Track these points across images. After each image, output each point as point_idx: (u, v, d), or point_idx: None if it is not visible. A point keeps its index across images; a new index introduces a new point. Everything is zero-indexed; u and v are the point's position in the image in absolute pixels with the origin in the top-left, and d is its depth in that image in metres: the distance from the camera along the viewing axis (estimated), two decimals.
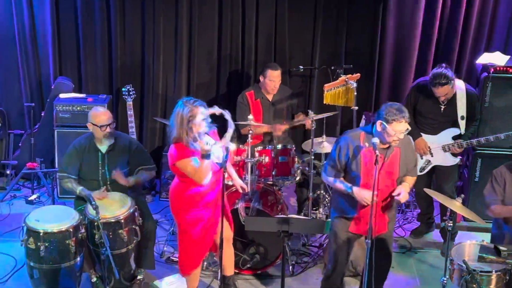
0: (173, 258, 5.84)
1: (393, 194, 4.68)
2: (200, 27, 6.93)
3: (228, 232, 5.09)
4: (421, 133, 5.89)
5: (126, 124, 6.79)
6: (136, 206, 5.23)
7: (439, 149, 5.87)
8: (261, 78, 6.41)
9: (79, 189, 5.34)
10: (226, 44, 7.01)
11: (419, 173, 5.99)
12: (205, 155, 4.61)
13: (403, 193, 4.66)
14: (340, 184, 4.71)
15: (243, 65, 7.10)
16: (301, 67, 6.96)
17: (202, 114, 4.66)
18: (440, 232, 6.16)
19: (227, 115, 4.65)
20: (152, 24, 6.89)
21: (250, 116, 5.84)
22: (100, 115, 5.36)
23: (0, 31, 6.97)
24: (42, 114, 7.05)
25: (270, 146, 5.95)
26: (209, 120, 4.71)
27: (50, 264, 4.94)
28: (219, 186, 4.78)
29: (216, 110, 4.66)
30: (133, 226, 5.15)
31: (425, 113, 5.83)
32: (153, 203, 6.85)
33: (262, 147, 5.92)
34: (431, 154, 5.91)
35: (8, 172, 7.15)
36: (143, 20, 6.91)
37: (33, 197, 6.81)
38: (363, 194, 4.60)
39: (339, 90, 6.16)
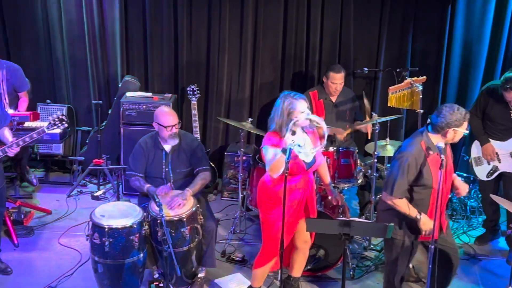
0: (233, 257, 5.92)
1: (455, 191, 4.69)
2: (265, 26, 6.99)
3: (308, 235, 5.14)
4: (489, 139, 5.79)
5: (190, 123, 6.92)
6: (198, 205, 5.32)
7: (507, 155, 5.76)
8: (324, 79, 6.42)
9: (146, 186, 5.47)
10: (291, 44, 7.05)
11: (485, 179, 5.92)
12: (283, 149, 4.62)
13: (462, 186, 4.68)
14: (406, 208, 4.67)
15: (307, 65, 7.12)
16: (365, 69, 6.93)
17: (302, 106, 4.71)
18: (506, 240, 6.05)
19: (322, 122, 4.68)
20: (218, 23, 6.99)
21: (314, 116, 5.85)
22: (167, 115, 5.48)
23: (71, 29, 7.20)
24: (109, 112, 7.26)
25: (332, 148, 5.96)
26: (309, 112, 4.74)
27: (114, 259, 5.08)
28: (307, 186, 4.86)
29: (313, 117, 4.70)
30: (195, 225, 5.24)
31: (495, 118, 5.73)
32: (215, 202, 6.95)
33: (324, 149, 5.93)
34: (499, 161, 5.81)
35: (75, 168, 7.39)
36: (209, 19, 7.02)
37: (99, 193, 7.00)
38: (428, 226, 4.61)
39: (404, 92, 6.12)
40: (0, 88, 6.51)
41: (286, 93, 4.79)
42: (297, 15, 6.94)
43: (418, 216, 4.61)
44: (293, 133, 4.53)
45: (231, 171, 6.97)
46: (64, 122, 5.35)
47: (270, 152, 4.71)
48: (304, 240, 5.08)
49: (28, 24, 7.24)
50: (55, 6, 7.11)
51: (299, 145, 4.62)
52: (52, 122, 5.31)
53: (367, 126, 6.19)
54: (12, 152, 5.23)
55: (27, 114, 5.96)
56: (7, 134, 5.42)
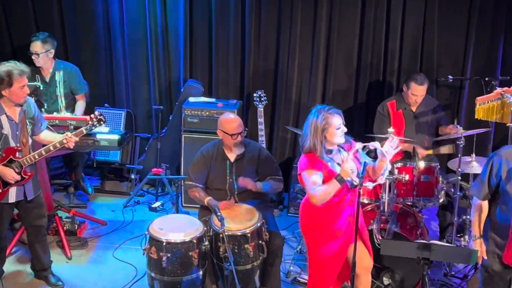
0: (299, 278, 5.87)
1: None
2: (340, 29, 6.95)
3: (367, 261, 5.02)
4: None
5: (256, 132, 6.92)
6: (263, 220, 5.30)
7: None
8: (404, 88, 6.33)
9: (206, 199, 5.50)
10: (367, 48, 6.98)
11: None
12: (340, 179, 4.61)
13: None
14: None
15: (385, 72, 7.04)
16: (450, 77, 6.80)
17: (337, 122, 4.68)
18: None
19: (377, 146, 4.64)
20: (289, 25, 6.98)
21: (391, 129, 5.74)
22: (232, 122, 5.50)
23: (132, 30, 7.32)
24: (170, 118, 7.33)
25: (411, 163, 5.86)
26: (345, 130, 4.72)
27: (172, 276, 5.11)
28: (355, 205, 4.76)
29: (370, 145, 4.66)
30: (260, 242, 5.22)
31: None
32: (281, 218, 6.92)
33: (402, 164, 5.84)
34: None
35: (132, 176, 7.49)
36: (279, 21, 7.02)
37: (157, 204, 7.07)
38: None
39: (494, 104, 5.96)
40: (57, 90, 6.67)
41: (319, 107, 4.75)
42: (375, 17, 6.87)
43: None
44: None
45: (299, 185, 6.89)
46: (102, 122, 5.42)
47: (313, 177, 4.66)
48: (363, 266, 4.97)
49: (87, 24, 7.40)
50: (116, 6, 7.25)
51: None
52: (90, 122, 5.40)
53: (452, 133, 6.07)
54: (71, 142, 5.32)
55: (84, 118, 6.03)
56: (52, 134, 5.53)
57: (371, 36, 6.94)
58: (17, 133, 5.26)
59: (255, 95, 6.89)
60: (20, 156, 5.27)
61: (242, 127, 5.55)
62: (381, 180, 4.71)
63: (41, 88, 6.42)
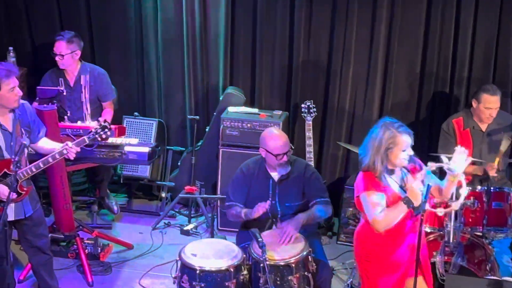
0: None
1: None
2: (402, 31, 6.89)
3: None
4: None
5: (303, 147, 6.88)
6: (310, 249, 5.26)
7: None
8: (473, 103, 6.24)
9: (243, 212, 5.51)
10: (433, 54, 6.90)
11: None
12: (407, 201, 4.54)
13: None
14: None
15: (452, 83, 6.96)
16: None
17: (405, 144, 4.62)
18: None
19: (445, 160, 4.56)
20: (343, 26, 6.95)
21: (457, 148, 5.65)
22: (277, 140, 5.47)
23: (167, 30, 7.35)
24: (207, 129, 7.33)
25: (481, 188, 5.77)
26: (412, 153, 4.64)
27: None
28: (416, 234, 4.68)
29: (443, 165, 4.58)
30: (305, 273, 5.17)
31: None
32: (330, 246, 6.87)
33: (470, 189, 5.73)
34: None
35: (163, 195, 7.49)
36: (333, 21, 6.99)
37: (190, 226, 7.07)
38: None
39: None
40: (82, 95, 6.71)
41: (387, 121, 4.69)
42: (443, 19, 6.78)
43: None
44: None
45: (351, 209, 6.87)
46: (107, 130, 5.41)
47: (374, 200, 4.60)
48: None
49: (117, 23, 7.46)
50: (150, 3, 7.29)
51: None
52: (93, 130, 5.38)
53: None
54: (72, 153, 5.31)
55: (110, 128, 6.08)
56: (52, 143, 5.52)
57: (437, 40, 6.86)
58: (12, 143, 5.26)
59: (303, 106, 6.85)
60: (14, 169, 5.23)
61: (289, 145, 5.52)
62: (455, 206, 4.62)
63: (64, 94, 6.46)
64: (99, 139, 5.43)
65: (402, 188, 4.65)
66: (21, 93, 5.25)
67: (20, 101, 5.32)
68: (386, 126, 4.64)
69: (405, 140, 4.62)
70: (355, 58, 7.04)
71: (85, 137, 5.37)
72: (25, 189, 5.30)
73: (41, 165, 5.30)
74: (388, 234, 4.67)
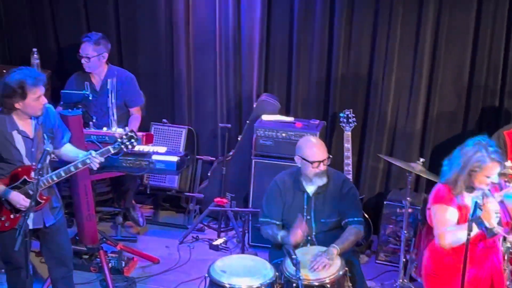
0: None
1: None
2: (449, 36, 6.83)
3: None
4: None
5: (340, 159, 6.87)
6: (346, 268, 5.25)
7: None
8: None
9: (279, 235, 5.50)
10: (482, 62, 6.83)
11: None
12: (478, 221, 4.49)
13: None
14: None
15: (503, 92, 6.89)
16: None
17: (492, 172, 4.64)
18: None
19: None
20: (386, 31, 6.92)
21: (508, 163, 5.61)
22: (313, 148, 5.49)
23: (199, 32, 7.40)
24: (239, 138, 7.36)
25: None
26: (496, 180, 4.68)
27: None
28: (495, 253, 4.73)
29: None
30: None
31: None
32: (368, 265, 6.85)
33: None
34: None
35: (191, 207, 7.53)
36: (375, 25, 6.97)
37: (219, 241, 7.09)
38: None
39: None
40: (108, 100, 6.76)
41: (483, 142, 4.70)
42: (494, 23, 6.71)
43: None
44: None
45: (391, 226, 6.84)
46: (133, 140, 5.42)
47: (446, 215, 4.60)
48: None
49: (147, 24, 7.53)
50: (182, 4, 7.34)
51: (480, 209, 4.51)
52: (119, 140, 5.40)
53: None
54: (95, 163, 5.35)
55: (137, 135, 6.10)
56: (75, 150, 5.55)
57: (487, 46, 6.79)
58: (33, 150, 5.31)
59: (341, 115, 6.86)
60: (36, 177, 5.28)
61: (326, 153, 5.53)
62: None
63: (90, 98, 6.52)
64: (125, 149, 5.44)
65: (479, 207, 4.61)
66: (46, 101, 5.29)
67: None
68: (479, 146, 4.67)
69: (493, 168, 4.64)
70: (398, 65, 7.00)
71: (110, 147, 5.39)
72: (44, 197, 5.34)
73: (63, 174, 5.34)
74: (459, 251, 4.65)
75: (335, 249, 5.32)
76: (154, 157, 6.03)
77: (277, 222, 5.61)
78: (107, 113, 6.78)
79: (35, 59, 7.15)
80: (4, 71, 7.18)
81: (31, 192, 5.22)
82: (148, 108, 7.32)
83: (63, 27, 7.67)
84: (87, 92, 6.47)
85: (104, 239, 6.65)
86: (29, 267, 5.29)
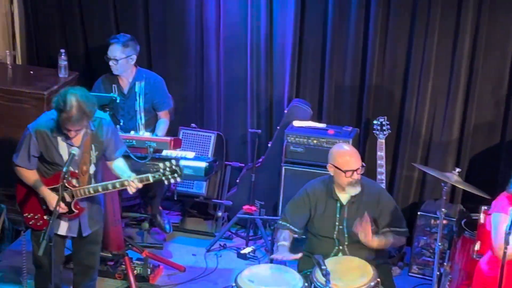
0: None
1: None
2: (488, 44, 6.76)
3: None
4: None
5: (373, 168, 6.83)
6: (378, 280, 5.21)
7: None
8: None
9: (280, 242, 5.51)
10: None
11: None
12: None
13: None
14: None
15: None
16: None
17: None
18: None
19: None
20: (423, 36, 6.86)
21: None
22: (347, 156, 5.47)
23: (230, 35, 7.38)
24: (269, 144, 7.33)
25: None
26: None
27: None
28: None
29: None
30: None
31: None
32: (400, 278, 6.79)
33: None
34: None
35: (219, 214, 7.50)
36: (411, 30, 6.91)
37: (247, 250, 7.00)
38: None
39: None
40: (136, 104, 6.76)
41: None
42: None
43: None
44: None
45: (425, 238, 6.78)
46: (176, 175, 5.33)
47: (503, 224, 4.55)
48: None
49: (177, 26, 7.53)
50: (212, 7, 7.34)
51: None
52: (161, 170, 5.34)
53: None
54: (132, 188, 5.35)
55: (166, 140, 6.10)
56: (123, 168, 5.56)
57: None
58: (76, 158, 5.33)
59: (375, 122, 6.80)
60: (76, 185, 5.33)
61: (360, 162, 5.50)
62: None
63: (118, 101, 6.51)
64: (166, 182, 5.39)
65: None
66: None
67: (100, 116, 5.44)
68: None
69: None
70: (435, 71, 6.94)
71: (150, 176, 5.34)
72: (78, 207, 5.40)
73: (100, 189, 5.39)
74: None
75: (374, 239, 5.37)
76: (182, 162, 5.96)
77: (296, 229, 5.62)
78: (135, 116, 6.78)
79: (63, 60, 7.16)
80: (32, 72, 7.28)
81: (68, 198, 5.32)
82: (177, 112, 7.33)
83: (92, 28, 7.70)
84: (115, 95, 6.46)
85: (130, 246, 6.66)
86: (58, 274, 5.37)
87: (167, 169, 5.32)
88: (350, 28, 7.05)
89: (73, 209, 5.36)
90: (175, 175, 5.33)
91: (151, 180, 5.34)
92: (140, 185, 5.34)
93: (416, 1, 6.80)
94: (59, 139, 5.30)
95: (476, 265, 5.28)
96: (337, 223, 5.52)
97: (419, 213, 6.82)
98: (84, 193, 5.36)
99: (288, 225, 5.63)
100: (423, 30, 6.85)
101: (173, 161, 5.36)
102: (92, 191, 5.37)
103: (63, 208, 5.29)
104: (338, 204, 5.55)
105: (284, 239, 5.56)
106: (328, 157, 5.56)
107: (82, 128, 5.22)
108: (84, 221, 5.50)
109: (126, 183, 5.32)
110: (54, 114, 5.25)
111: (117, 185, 5.36)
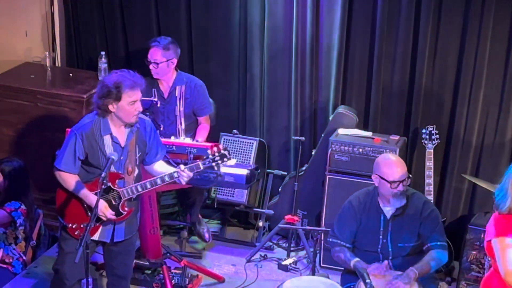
0: None
1: None
2: None
3: None
4: None
5: (421, 179, 6.80)
6: None
7: None
8: None
9: (353, 261, 5.45)
10: None
11: None
12: None
13: None
14: None
15: None
16: None
17: None
18: None
19: None
20: (475, 43, 6.81)
21: None
22: (393, 166, 5.45)
23: (274, 38, 7.37)
24: (313, 153, 7.31)
25: None
26: None
27: None
28: None
29: None
30: None
31: None
32: None
33: None
34: None
35: (260, 224, 7.51)
36: (463, 36, 6.86)
37: (289, 261, 7.04)
38: None
39: None
40: (176, 108, 6.78)
41: None
42: None
43: None
44: None
45: (474, 252, 6.71)
46: (225, 159, 5.38)
47: (509, 249, 4.47)
48: None
49: (220, 29, 7.56)
50: (257, 9, 7.35)
51: None
52: (210, 156, 5.38)
53: None
54: (183, 177, 5.36)
55: (207, 145, 6.09)
56: (167, 167, 5.59)
57: None
58: (121, 157, 5.38)
59: (424, 131, 6.79)
60: (121, 186, 5.36)
61: (406, 174, 5.48)
62: None
63: (158, 106, 6.54)
64: (215, 168, 5.44)
65: None
66: (141, 109, 5.38)
67: (142, 117, 5.49)
68: None
69: None
70: (487, 79, 6.89)
71: (200, 163, 5.39)
72: (127, 209, 5.42)
73: (148, 186, 5.41)
74: None
75: (413, 272, 5.27)
76: (223, 169, 5.99)
77: (348, 245, 5.59)
78: (175, 121, 6.80)
79: (103, 62, 7.25)
80: (71, 74, 7.37)
81: (114, 202, 5.36)
82: (218, 118, 7.35)
83: (133, 31, 7.76)
84: (155, 99, 6.50)
85: (168, 254, 6.68)
86: (87, 282, 5.34)
87: (216, 154, 5.36)
88: (399, 32, 7.03)
89: (121, 211, 5.38)
90: (225, 159, 5.38)
91: (202, 168, 5.38)
92: (191, 174, 5.37)
93: (468, 6, 6.76)
94: (106, 138, 5.35)
95: None
96: (381, 237, 5.51)
97: (469, 226, 6.73)
98: (132, 191, 5.38)
99: (338, 241, 5.62)
100: (475, 36, 6.80)
101: (221, 146, 5.39)
102: (140, 189, 5.39)
103: (111, 213, 5.32)
104: (382, 217, 5.54)
105: (351, 256, 5.52)
106: (374, 167, 5.55)
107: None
108: (119, 226, 5.51)
109: (176, 174, 5.35)
110: (95, 115, 5.32)
111: (166, 178, 5.38)
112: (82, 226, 5.40)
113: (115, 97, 5.23)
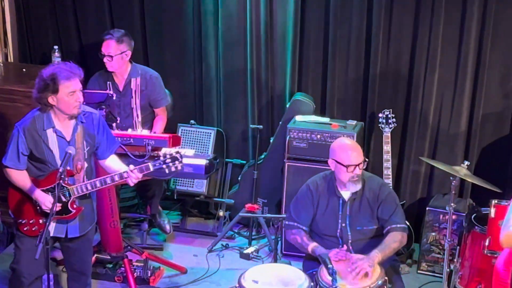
0: None
1: None
2: (496, 33, 6.80)
3: None
4: None
5: (379, 162, 6.89)
6: (386, 278, 5.23)
7: None
8: None
9: (311, 246, 5.49)
10: None
11: None
12: None
13: None
14: None
15: None
16: None
17: None
18: None
19: None
20: (428, 25, 6.90)
21: None
22: (348, 150, 5.46)
23: (229, 27, 7.41)
24: (271, 140, 7.38)
25: None
26: None
27: None
28: None
29: None
30: None
31: None
32: (409, 276, 6.82)
33: None
34: None
35: (220, 213, 7.56)
36: (416, 20, 6.95)
37: (250, 250, 7.09)
38: None
39: None
40: (132, 101, 6.78)
41: None
42: None
43: None
44: None
45: (434, 234, 6.82)
46: (177, 162, 5.38)
47: None
48: None
49: (174, 20, 7.58)
50: None
51: None
52: (162, 158, 5.39)
53: None
54: (132, 178, 5.37)
55: (164, 137, 6.10)
56: (120, 163, 5.60)
57: None
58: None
59: (381, 115, 6.86)
60: (70, 183, 5.34)
61: (362, 157, 5.50)
62: None
63: (114, 99, 6.53)
64: (166, 170, 5.42)
65: None
66: (82, 99, 5.32)
67: (91, 111, 5.46)
68: None
69: None
70: (441, 62, 6.98)
71: (150, 164, 5.38)
72: (75, 207, 5.39)
73: (98, 185, 5.38)
74: None
75: (376, 255, 5.30)
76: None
77: (305, 228, 5.59)
78: (131, 114, 6.79)
79: (56, 57, 7.21)
80: (24, 69, 7.32)
81: (63, 198, 5.31)
82: (175, 109, 7.35)
83: (86, 24, 7.75)
84: (111, 93, 6.49)
85: (129, 247, 6.70)
86: (49, 278, 5.31)
87: (167, 156, 5.36)
88: (353, 17, 7.09)
89: (70, 208, 5.35)
90: (176, 163, 5.38)
91: (151, 169, 5.37)
92: (140, 175, 5.37)
93: None
94: (48, 132, 5.30)
95: (486, 261, 5.32)
96: (340, 221, 5.54)
97: (427, 208, 6.86)
98: (81, 190, 5.34)
99: (294, 223, 5.62)
100: (428, 20, 6.89)
101: (173, 149, 5.39)
102: (90, 187, 5.36)
103: (59, 207, 5.26)
104: (340, 201, 5.56)
105: (309, 240, 5.54)
106: (330, 152, 5.56)
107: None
108: (73, 222, 5.46)
109: (125, 174, 5.33)
110: (38, 110, 5.31)
111: (116, 178, 5.36)
112: (31, 222, 5.38)
113: (53, 89, 5.18)
